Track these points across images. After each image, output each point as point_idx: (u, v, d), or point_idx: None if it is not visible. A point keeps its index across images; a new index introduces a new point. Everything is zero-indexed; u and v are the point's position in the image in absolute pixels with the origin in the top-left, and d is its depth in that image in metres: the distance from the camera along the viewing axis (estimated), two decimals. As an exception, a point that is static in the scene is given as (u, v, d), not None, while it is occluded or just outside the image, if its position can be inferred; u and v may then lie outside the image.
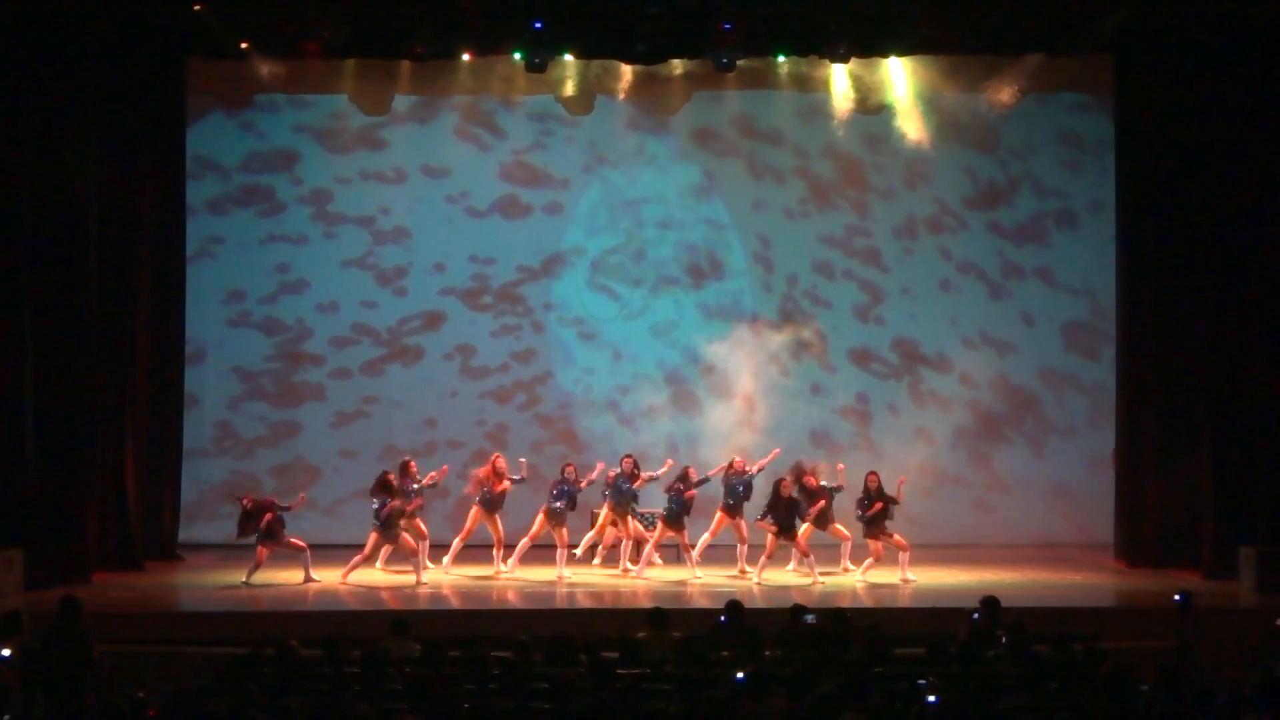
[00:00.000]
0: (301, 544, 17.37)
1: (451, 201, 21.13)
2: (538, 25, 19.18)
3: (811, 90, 20.91)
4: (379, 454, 20.64)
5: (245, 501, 17.47)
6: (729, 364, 20.44)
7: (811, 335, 20.97)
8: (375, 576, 17.72)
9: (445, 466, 18.31)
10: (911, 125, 20.85)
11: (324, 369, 21.08)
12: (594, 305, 21.21)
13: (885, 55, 20.37)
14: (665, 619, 12.54)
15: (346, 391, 21.08)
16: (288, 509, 17.46)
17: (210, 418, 20.96)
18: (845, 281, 21.07)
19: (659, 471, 17.77)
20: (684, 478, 17.42)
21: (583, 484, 17.66)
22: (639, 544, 17.83)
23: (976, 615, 12.60)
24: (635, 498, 17.80)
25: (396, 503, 17.13)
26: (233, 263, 20.99)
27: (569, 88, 20.95)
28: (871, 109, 20.91)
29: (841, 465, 18.13)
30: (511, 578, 17.53)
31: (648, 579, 17.42)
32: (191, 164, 20.61)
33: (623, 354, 21.14)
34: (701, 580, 17.29)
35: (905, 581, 17.26)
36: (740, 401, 20.39)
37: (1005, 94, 20.60)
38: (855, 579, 17.48)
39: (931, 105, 20.85)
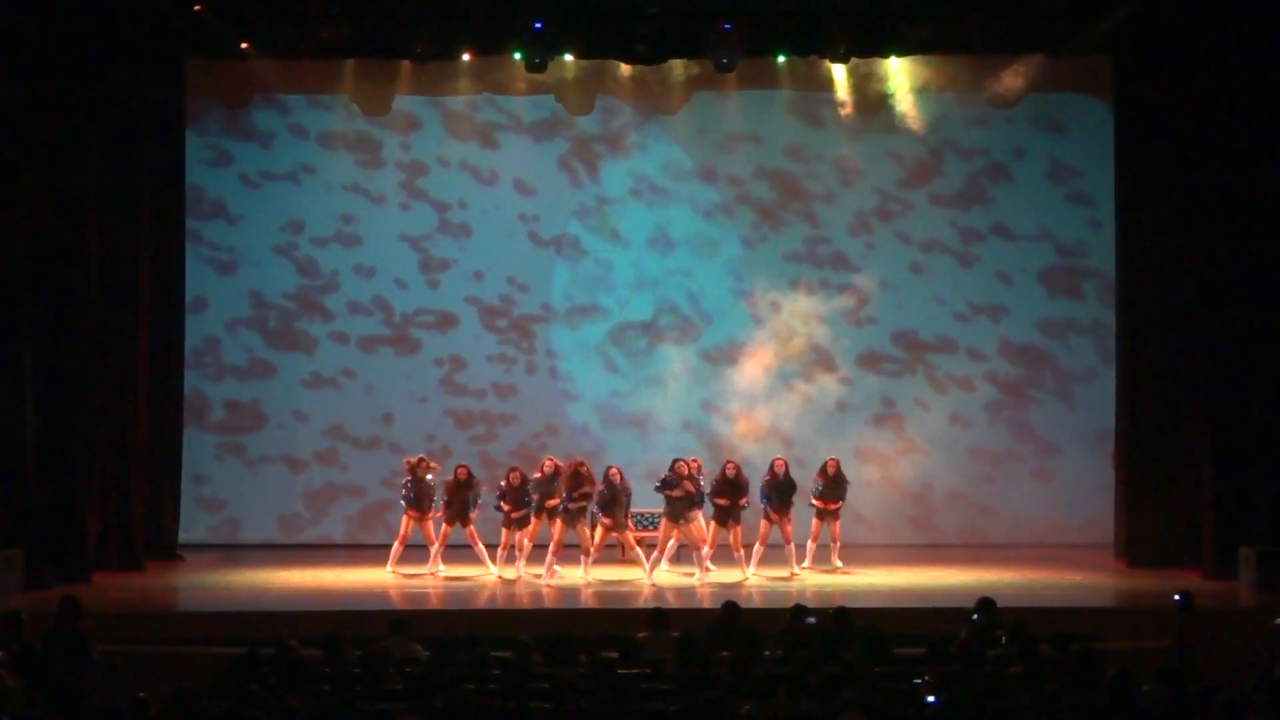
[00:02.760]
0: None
1: (523, 220, 21.16)
2: (538, 25, 19.20)
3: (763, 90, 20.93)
4: (325, 429, 20.94)
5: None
6: (751, 406, 20.45)
7: (815, 354, 20.98)
8: (385, 577, 17.76)
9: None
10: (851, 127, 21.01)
11: (327, 326, 21.08)
12: (592, 369, 21.18)
13: (885, 55, 20.39)
14: (665, 619, 12.55)
15: (333, 356, 21.06)
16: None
17: (204, 329, 20.92)
18: (825, 291, 20.95)
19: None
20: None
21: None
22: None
23: (976, 616, 12.59)
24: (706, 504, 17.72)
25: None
26: (311, 195, 21.05)
27: (569, 88, 20.98)
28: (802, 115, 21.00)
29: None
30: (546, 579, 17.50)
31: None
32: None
33: (596, 426, 20.99)
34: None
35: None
36: (778, 441, 20.34)
37: (1006, 93, 20.70)
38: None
39: (924, 105, 20.93)
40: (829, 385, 20.98)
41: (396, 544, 18.09)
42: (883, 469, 20.89)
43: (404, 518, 18.06)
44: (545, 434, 20.89)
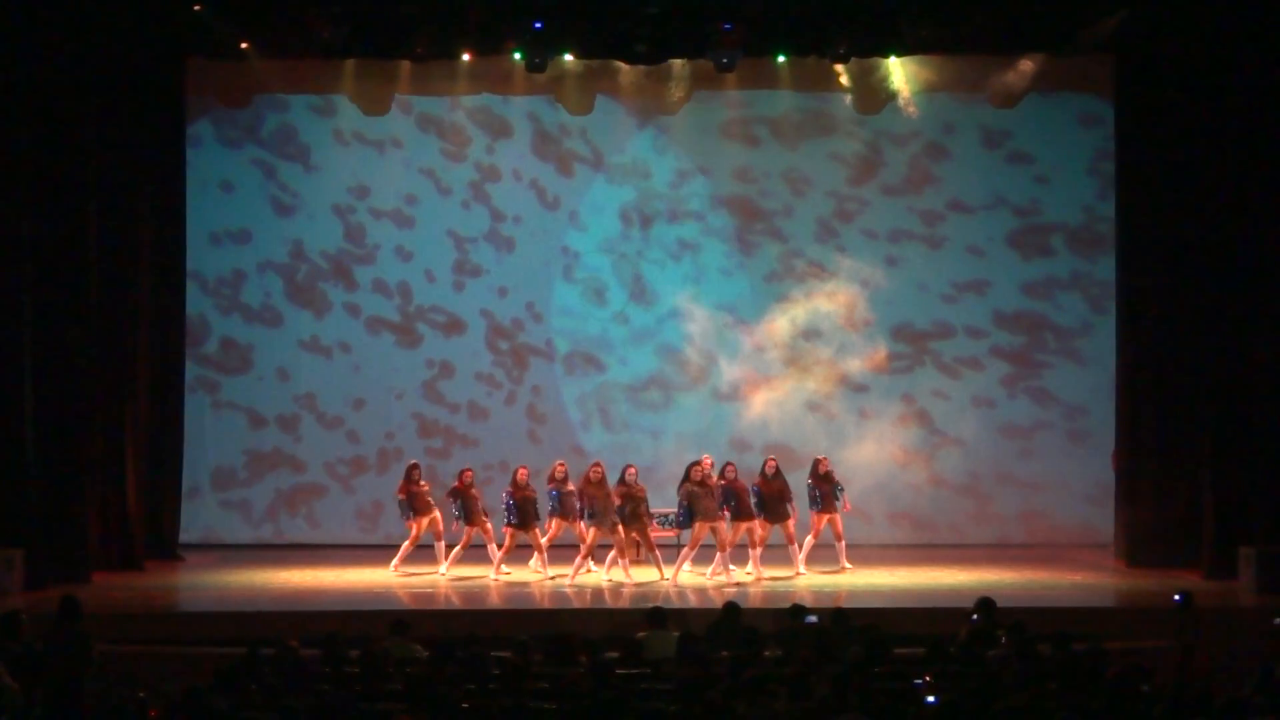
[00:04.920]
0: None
1: (565, 253, 21.21)
2: (538, 25, 19.20)
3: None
4: (298, 394, 21.05)
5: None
6: (779, 435, 20.37)
7: (825, 368, 20.94)
8: (384, 577, 17.76)
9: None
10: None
11: (346, 295, 21.12)
12: (569, 417, 21.14)
13: (885, 55, 20.41)
14: (665, 619, 12.55)
15: (338, 326, 21.13)
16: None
17: (236, 262, 21.07)
18: (814, 304, 20.83)
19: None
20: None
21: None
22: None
23: (976, 616, 12.59)
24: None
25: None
26: (387, 167, 21.15)
27: (569, 88, 20.98)
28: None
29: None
30: (509, 578, 17.55)
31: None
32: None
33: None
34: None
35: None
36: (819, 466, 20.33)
37: (1006, 93, 20.77)
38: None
39: (928, 106, 20.99)
40: (847, 396, 20.95)
41: (458, 549, 17.78)
42: (926, 468, 20.92)
43: (467, 528, 17.61)
44: (496, 468, 20.18)
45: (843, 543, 18.18)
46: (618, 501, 17.14)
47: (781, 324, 20.80)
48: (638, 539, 17.39)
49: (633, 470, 17.43)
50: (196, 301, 20.81)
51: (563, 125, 21.15)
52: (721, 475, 17.53)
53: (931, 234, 21.21)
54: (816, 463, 18.21)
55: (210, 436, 20.87)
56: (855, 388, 21.01)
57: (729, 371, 20.99)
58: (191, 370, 20.72)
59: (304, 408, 21.06)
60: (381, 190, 21.13)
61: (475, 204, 21.21)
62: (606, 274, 21.21)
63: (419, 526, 17.87)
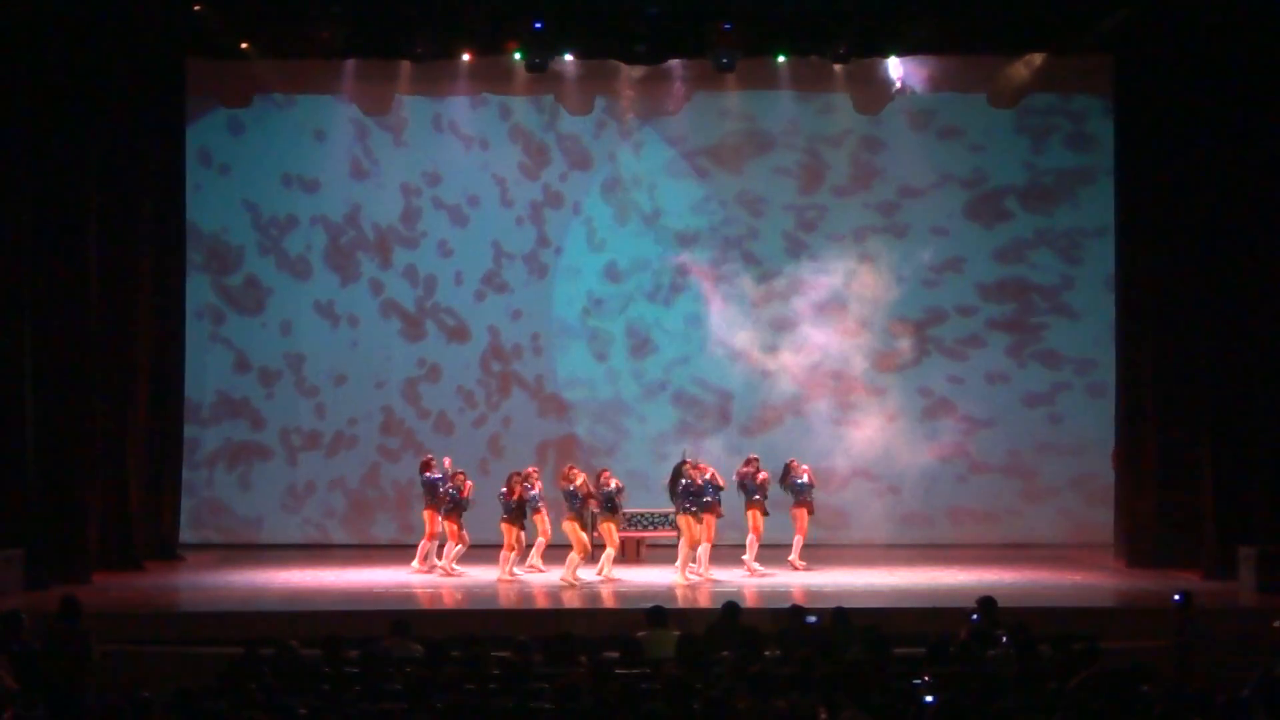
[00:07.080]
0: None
1: (589, 296, 21.26)
2: (538, 25, 19.22)
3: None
4: (290, 351, 21.10)
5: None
6: (814, 458, 20.28)
7: (838, 378, 20.93)
8: (384, 577, 17.75)
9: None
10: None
11: (378, 271, 21.27)
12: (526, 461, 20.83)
13: (885, 55, 20.44)
14: (665, 618, 12.54)
15: (356, 299, 21.26)
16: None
17: (294, 209, 21.23)
18: (810, 316, 20.82)
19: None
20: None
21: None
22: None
23: (976, 616, 12.59)
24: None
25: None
26: (467, 164, 21.34)
27: (569, 88, 20.97)
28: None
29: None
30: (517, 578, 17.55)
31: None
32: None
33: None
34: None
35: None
36: (863, 480, 20.29)
37: (1006, 93, 20.80)
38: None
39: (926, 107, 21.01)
40: (867, 404, 20.93)
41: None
42: (967, 459, 20.96)
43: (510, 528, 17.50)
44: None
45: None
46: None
47: (783, 346, 20.79)
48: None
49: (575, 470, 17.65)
50: (241, 234, 20.99)
51: (636, 177, 21.12)
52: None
53: (895, 224, 21.24)
54: (788, 467, 18.18)
55: (193, 364, 20.63)
56: (872, 393, 20.98)
57: (748, 408, 20.99)
58: (208, 292, 20.82)
59: (289, 367, 21.08)
60: (452, 183, 21.25)
61: (530, 223, 21.26)
62: (617, 328, 21.21)
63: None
